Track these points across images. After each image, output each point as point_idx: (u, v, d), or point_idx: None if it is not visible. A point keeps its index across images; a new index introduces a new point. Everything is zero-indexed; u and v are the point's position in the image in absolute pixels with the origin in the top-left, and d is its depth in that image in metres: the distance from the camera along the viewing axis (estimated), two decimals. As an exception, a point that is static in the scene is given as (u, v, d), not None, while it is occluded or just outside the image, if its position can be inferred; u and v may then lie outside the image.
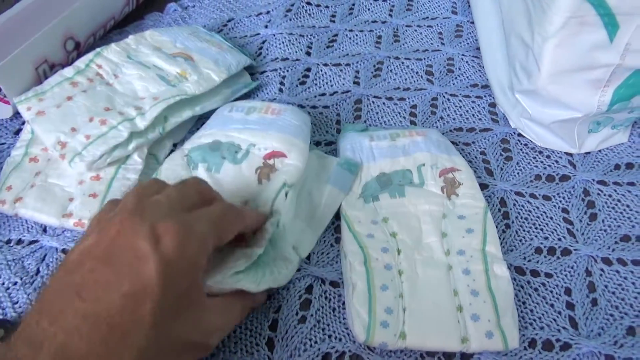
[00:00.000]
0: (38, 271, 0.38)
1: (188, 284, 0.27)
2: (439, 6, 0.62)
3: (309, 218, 0.39)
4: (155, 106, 0.43)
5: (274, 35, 0.57)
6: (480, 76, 0.54)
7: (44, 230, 0.40)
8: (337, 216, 0.41)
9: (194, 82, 0.46)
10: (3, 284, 0.37)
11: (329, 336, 0.35)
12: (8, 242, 0.40)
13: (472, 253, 0.37)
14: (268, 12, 0.60)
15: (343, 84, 0.53)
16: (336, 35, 0.58)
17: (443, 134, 0.47)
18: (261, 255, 0.33)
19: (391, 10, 0.61)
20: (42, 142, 0.42)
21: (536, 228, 0.41)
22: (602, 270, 0.39)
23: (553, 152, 0.47)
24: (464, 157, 0.44)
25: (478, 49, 0.56)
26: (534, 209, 0.43)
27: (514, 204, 0.43)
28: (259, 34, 0.58)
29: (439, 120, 0.50)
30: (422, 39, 0.58)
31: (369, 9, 0.61)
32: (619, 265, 0.39)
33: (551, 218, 0.42)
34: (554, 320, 0.36)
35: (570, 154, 0.47)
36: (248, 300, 0.34)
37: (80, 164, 0.39)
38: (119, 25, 0.58)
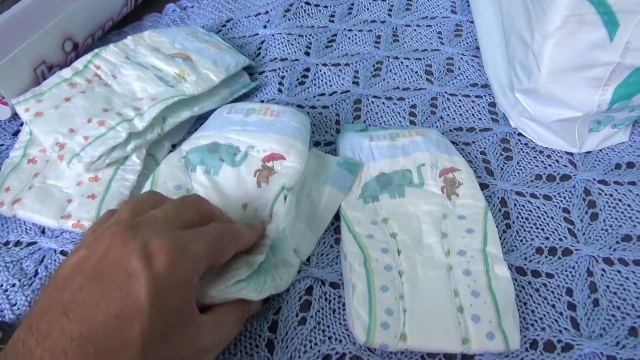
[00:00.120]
0: (36, 273, 0.38)
1: (179, 303, 0.26)
2: (438, 5, 0.62)
3: (308, 220, 0.39)
4: (153, 107, 0.42)
5: (273, 35, 0.57)
6: (479, 75, 0.54)
7: (43, 231, 0.40)
8: (337, 217, 0.40)
9: (193, 82, 0.46)
10: (1, 285, 0.37)
11: (329, 338, 0.35)
12: (6, 243, 0.39)
13: (473, 253, 0.37)
14: (267, 12, 0.60)
15: (342, 84, 0.53)
16: (335, 35, 0.58)
17: (443, 133, 0.47)
18: (262, 262, 0.33)
19: (390, 10, 0.61)
20: (41, 143, 0.42)
21: (537, 228, 0.41)
22: (603, 270, 0.39)
23: (553, 151, 0.47)
24: (464, 156, 0.44)
25: (477, 48, 0.56)
26: (534, 209, 0.42)
27: (515, 204, 0.43)
28: (257, 34, 0.57)
29: (438, 120, 0.50)
30: (421, 38, 0.58)
31: (368, 9, 0.61)
32: (621, 266, 0.39)
33: (552, 218, 0.42)
34: (556, 321, 0.36)
35: (571, 154, 0.47)
36: (243, 312, 0.33)
37: (79, 165, 0.39)
38: (117, 26, 0.58)
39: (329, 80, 0.53)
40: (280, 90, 0.51)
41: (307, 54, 0.56)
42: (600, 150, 0.47)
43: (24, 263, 0.38)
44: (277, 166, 0.39)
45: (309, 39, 0.57)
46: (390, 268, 0.36)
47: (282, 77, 0.53)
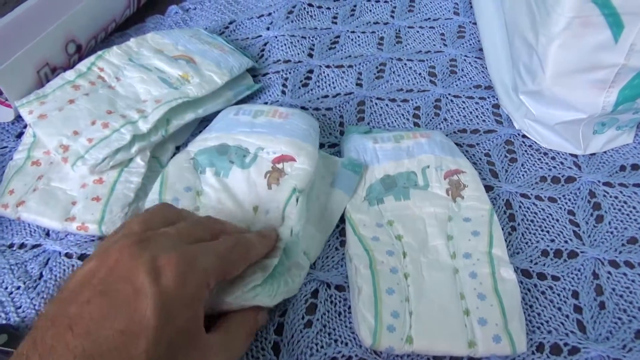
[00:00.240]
0: (41, 275, 0.38)
1: (187, 319, 0.26)
2: (440, 7, 0.62)
3: (317, 222, 0.39)
4: (157, 109, 0.42)
5: (276, 37, 0.57)
6: (483, 77, 0.54)
7: (47, 234, 0.40)
8: (342, 219, 0.40)
9: (196, 84, 0.45)
10: (6, 288, 0.37)
11: (335, 340, 0.35)
12: (11, 246, 0.39)
13: (479, 256, 0.37)
14: (269, 14, 0.60)
15: (346, 86, 0.52)
16: (338, 36, 0.58)
17: (447, 135, 0.47)
18: (276, 266, 0.33)
19: (393, 12, 0.61)
20: (45, 145, 0.42)
21: (542, 230, 0.41)
22: (609, 273, 0.39)
23: (558, 153, 0.47)
24: (468, 158, 0.44)
25: (481, 50, 0.56)
26: (539, 211, 0.42)
27: (520, 206, 0.43)
28: (260, 36, 0.57)
29: (442, 122, 0.50)
30: (424, 40, 0.58)
31: (370, 11, 0.61)
32: (627, 268, 0.39)
33: (557, 220, 0.42)
34: (562, 324, 0.36)
35: (575, 156, 0.46)
36: (251, 327, 0.32)
37: (83, 168, 0.39)
38: (120, 28, 0.57)
39: (333, 82, 0.53)
40: (283, 92, 0.51)
41: (311, 55, 0.55)
42: (605, 152, 0.47)
43: (28, 265, 0.38)
44: (288, 168, 0.39)
45: (312, 40, 0.57)
46: (396, 270, 0.36)
47: (286, 79, 0.53)
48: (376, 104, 0.51)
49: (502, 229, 0.39)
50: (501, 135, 0.48)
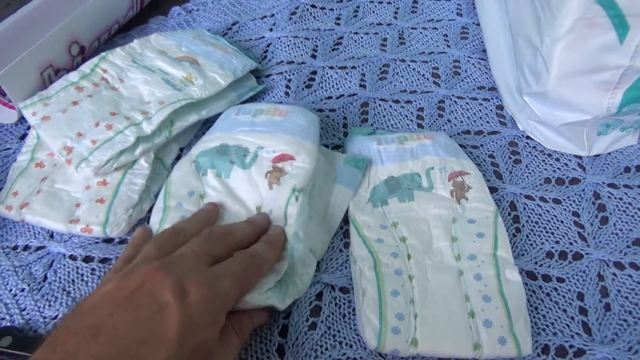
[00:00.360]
0: (45, 277, 0.38)
1: (205, 341, 0.27)
2: (443, 8, 0.62)
3: (321, 218, 0.39)
4: (161, 110, 0.42)
5: (279, 38, 0.57)
6: (487, 78, 0.54)
7: (51, 236, 0.40)
8: (346, 220, 0.40)
9: (200, 86, 0.45)
10: (10, 290, 0.37)
11: (340, 343, 0.35)
12: (15, 248, 0.39)
13: (483, 258, 0.37)
14: (273, 15, 0.60)
15: (349, 87, 0.52)
16: (341, 38, 0.58)
17: (451, 136, 0.47)
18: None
19: (396, 13, 0.61)
20: (48, 147, 0.42)
21: (547, 232, 0.41)
22: (614, 274, 0.38)
23: (562, 154, 0.46)
24: (472, 160, 0.44)
25: (484, 51, 0.56)
26: (544, 213, 0.42)
27: (524, 208, 0.42)
28: (264, 37, 0.57)
29: (446, 123, 0.49)
30: (427, 41, 0.58)
31: (373, 12, 0.61)
32: (632, 270, 0.39)
33: (562, 222, 0.42)
34: (567, 325, 0.36)
35: (580, 157, 0.46)
36: (247, 325, 0.33)
37: (87, 169, 0.39)
38: (123, 29, 0.57)
39: (336, 83, 0.53)
40: (287, 94, 0.51)
41: (314, 56, 0.55)
42: (609, 153, 0.47)
43: (32, 267, 0.38)
44: (288, 167, 0.39)
45: (315, 41, 0.57)
46: (401, 272, 0.36)
47: (289, 80, 0.52)
48: (380, 105, 0.51)
49: (507, 231, 0.39)
50: (505, 136, 0.48)
